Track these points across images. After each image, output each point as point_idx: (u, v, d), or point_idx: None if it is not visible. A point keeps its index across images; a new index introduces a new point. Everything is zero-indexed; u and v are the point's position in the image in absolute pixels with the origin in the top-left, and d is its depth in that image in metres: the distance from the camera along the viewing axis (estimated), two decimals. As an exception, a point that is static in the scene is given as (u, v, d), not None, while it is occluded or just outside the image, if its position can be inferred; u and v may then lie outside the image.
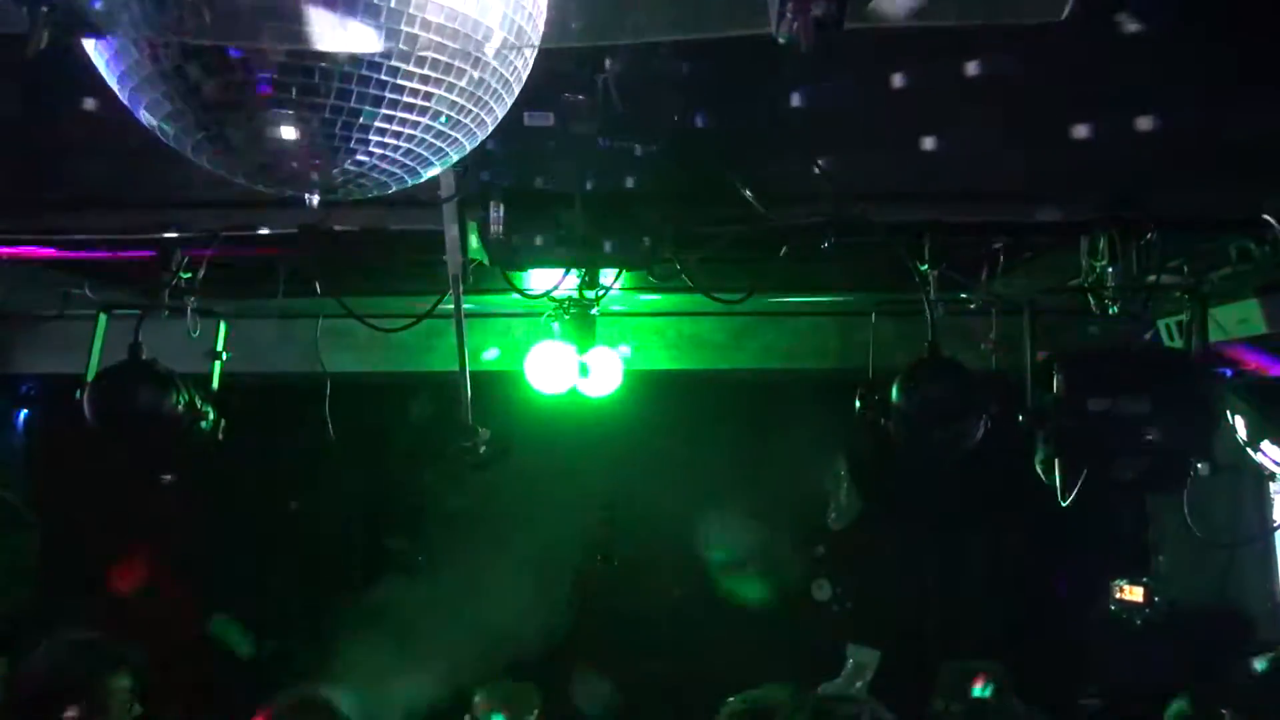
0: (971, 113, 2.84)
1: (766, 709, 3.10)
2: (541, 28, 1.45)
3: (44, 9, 1.10)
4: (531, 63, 1.58)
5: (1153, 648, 4.78)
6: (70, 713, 2.95)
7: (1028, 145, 2.89)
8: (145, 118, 1.39)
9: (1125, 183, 3.08)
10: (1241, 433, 3.40)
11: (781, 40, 1.28)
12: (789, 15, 1.25)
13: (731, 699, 3.17)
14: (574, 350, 4.03)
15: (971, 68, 2.82)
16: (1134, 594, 4.91)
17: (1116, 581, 5.00)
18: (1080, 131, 2.85)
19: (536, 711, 4.45)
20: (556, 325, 4.03)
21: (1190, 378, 3.25)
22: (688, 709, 3.43)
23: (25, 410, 5.38)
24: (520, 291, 3.31)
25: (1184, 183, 3.03)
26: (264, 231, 3.09)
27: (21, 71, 2.92)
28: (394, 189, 1.62)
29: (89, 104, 2.77)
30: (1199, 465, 3.24)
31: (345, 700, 3.76)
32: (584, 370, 4.00)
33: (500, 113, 1.60)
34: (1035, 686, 4.61)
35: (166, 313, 3.49)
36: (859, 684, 6.06)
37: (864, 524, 6.67)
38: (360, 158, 1.45)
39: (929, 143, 2.85)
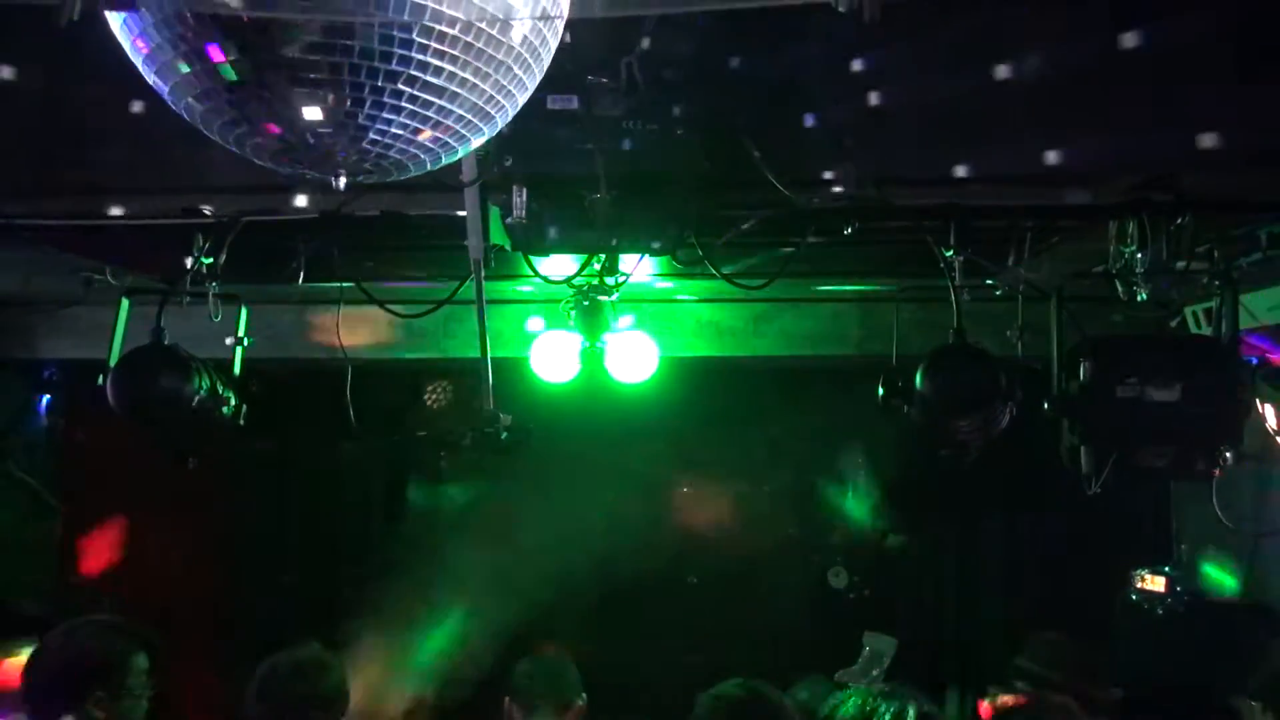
0: (999, 95, 2.80)
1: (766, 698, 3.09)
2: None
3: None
4: (557, 43, 1.55)
5: (1174, 638, 4.74)
6: (98, 692, 2.99)
7: (1056, 128, 2.85)
8: (171, 99, 1.38)
9: (1155, 166, 3.03)
10: (1271, 421, 3.36)
11: (842, 10, 1.24)
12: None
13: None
14: (588, 338, 4.01)
15: (1000, 52, 2.79)
16: (1155, 584, 4.87)
17: (1138, 571, 4.95)
18: (1110, 114, 2.80)
19: (582, 699, 4.30)
20: (573, 313, 4.00)
21: (1219, 365, 3.20)
22: (696, 691, 3.42)
23: (47, 395, 5.42)
24: (542, 278, 3.29)
25: (1214, 166, 2.98)
26: (286, 216, 3.08)
27: (45, 54, 2.93)
28: (418, 171, 1.60)
29: (112, 88, 2.76)
30: (1227, 454, 3.20)
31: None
32: (610, 358, 3.99)
33: (524, 94, 1.58)
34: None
35: (188, 298, 3.50)
36: (875, 672, 6.04)
37: (882, 511, 6.64)
38: (386, 139, 1.44)
39: (957, 125, 2.81)
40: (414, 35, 1.28)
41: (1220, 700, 3.91)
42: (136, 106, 2.77)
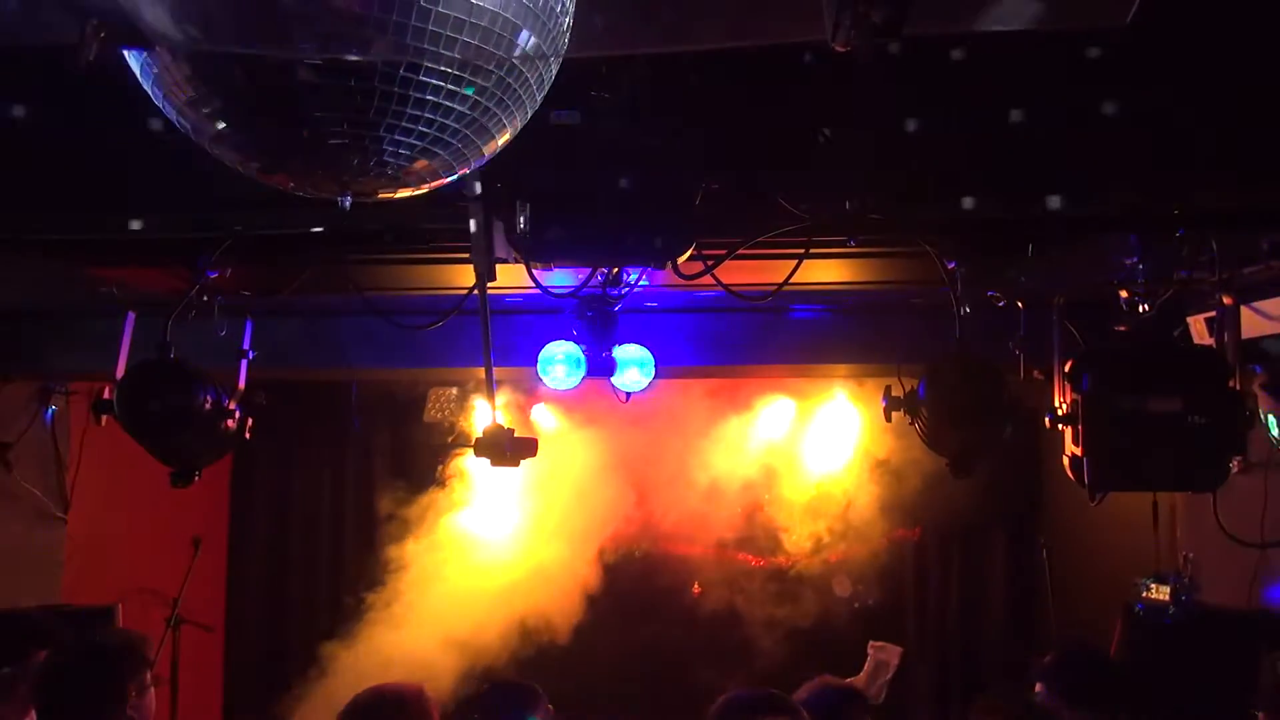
0: (997, 106, 2.81)
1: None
2: (568, 31, 1.45)
3: (93, 22, 1.11)
4: (558, 64, 1.57)
5: (1179, 647, 4.72)
6: (133, 687, 2.97)
7: (1054, 138, 2.85)
8: (178, 120, 1.40)
9: (1155, 177, 3.04)
10: (1273, 430, 3.36)
11: (839, 49, 1.25)
12: (846, 23, 1.21)
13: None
14: (595, 348, 4.04)
15: (997, 60, 2.80)
16: (1161, 594, 4.85)
17: (1143, 581, 4.94)
18: (1110, 125, 2.81)
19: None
20: (578, 323, 4.03)
21: (1221, 375, 3.20)
22: (707, 703, 3.41)
23: (53, 408, 5.44)
24: (545, 290, 3.31)
25: (1215, 176, 2.99)
26: (292, 230, 3.10)
27: (52, 69, 2.95)
28: (423, 190, 1.62)
29: (119, 102, 2.78)
30: (1230, 464, 3.20)
31: None
32: (609, 368, 4.01)
33: (526, 112, 1.60)
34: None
35: (194, 311, 3.52)
36: (880, 680, 6.04)
37: (887, 521, 6.65)
38: (389, 159, 1.46)
39: (954, 137, 2.82)
40: (421, 62, 1.29)
41: (1228, 710, 3.89)
42: (142, 121, 2.79)
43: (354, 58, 1.24)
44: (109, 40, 1.12)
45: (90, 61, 1.12)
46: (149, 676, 3.07)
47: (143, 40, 1.17)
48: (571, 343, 4.05)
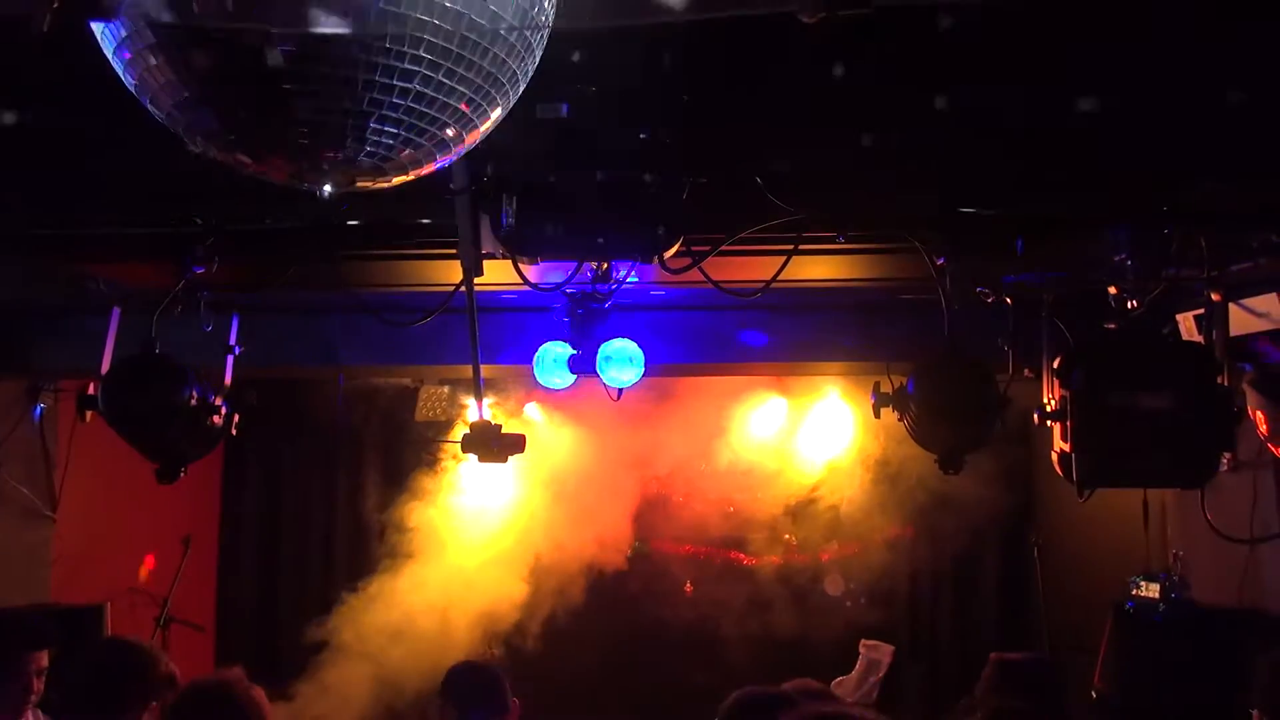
0: (986, 101, 2.80)
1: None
2: (552, 10, 1.44)
3: (46, -10, 1.08)
4: (541, 49, 1.56)
5: (1170, 645, 4.73)
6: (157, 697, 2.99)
7: (1044, 135, 2.85)
8: (153, 108, 1.38)
9: (1144, 175, 3.04)
10: (1262, 428, 3.35)
11: (806, 20, 1.24)
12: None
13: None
14: (585, 345, 4.04)
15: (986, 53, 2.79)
16: (1150, 591, 4.86)
17: (1133, 578, 4.94)
18: (1097, 122, 2.81)
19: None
20: (568, 320, 4.03)
21: (1210, 372, 3.20)
22: (701, 703, 3.41)
23: (41, 405, 5.42)
24: (533, 285, 3.30)
25: (1206, 174, 2.99)
26: (278, 225, 3.08)
27: (39, 65, 2.93)
28: (405, 180, 1.61)
29: (104, 97, 2.77)
30: (1219, 461, 3.20)
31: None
32: (600, 366, 4.00)
33: (510, 101, 1.58)
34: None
35: (180, 307, 3.50)
36: (872, 680, 6.05)
37: (878, 519, 6.64)
38: (370, 147, 1.44)
39: (945, 132, 2.81)
40: (402, 48, 1.28)
41: (1218, 708, 3.90)
42: (128, 115, 2.77)
43: (333, 35, 1.22)
44: (65, 10, 1.09)
45: (45, 33, 1.10)
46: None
47: (102, 11, 1.14)
48: (568, 340, 4.06)
